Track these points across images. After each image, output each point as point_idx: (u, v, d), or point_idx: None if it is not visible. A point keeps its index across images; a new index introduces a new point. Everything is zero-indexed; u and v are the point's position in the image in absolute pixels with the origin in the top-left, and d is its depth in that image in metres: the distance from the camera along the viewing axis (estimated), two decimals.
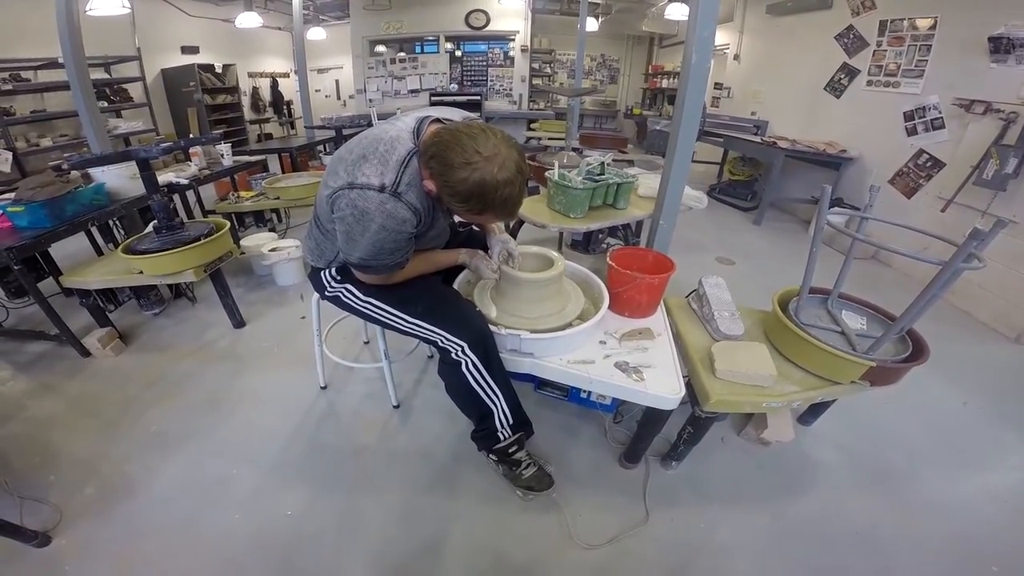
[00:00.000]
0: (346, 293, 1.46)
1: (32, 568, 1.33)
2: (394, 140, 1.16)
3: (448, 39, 7.30)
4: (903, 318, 1.32)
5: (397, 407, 1.95)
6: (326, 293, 1.51)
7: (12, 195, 2.23)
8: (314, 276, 1.51)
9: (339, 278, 1.46)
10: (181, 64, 7.05)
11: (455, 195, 1.09)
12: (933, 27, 3.38)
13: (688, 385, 1.43)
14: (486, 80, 7.51)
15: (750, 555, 1.42)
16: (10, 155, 4.55)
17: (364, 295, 1.44)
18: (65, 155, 2.42)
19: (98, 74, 5.78)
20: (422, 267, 1.43)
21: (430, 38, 7.34)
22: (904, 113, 3.59)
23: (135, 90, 6.36)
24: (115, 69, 6.12)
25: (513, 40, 7.25)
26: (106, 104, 5.81)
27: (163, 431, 1.83)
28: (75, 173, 2.53)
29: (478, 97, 6.79)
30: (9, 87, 4.81)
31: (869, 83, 3.97)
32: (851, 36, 4.10)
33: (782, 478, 1.69)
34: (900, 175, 3.65)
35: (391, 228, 1.14)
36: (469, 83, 7.49)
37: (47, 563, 1.35)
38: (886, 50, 3.77)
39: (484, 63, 7.49)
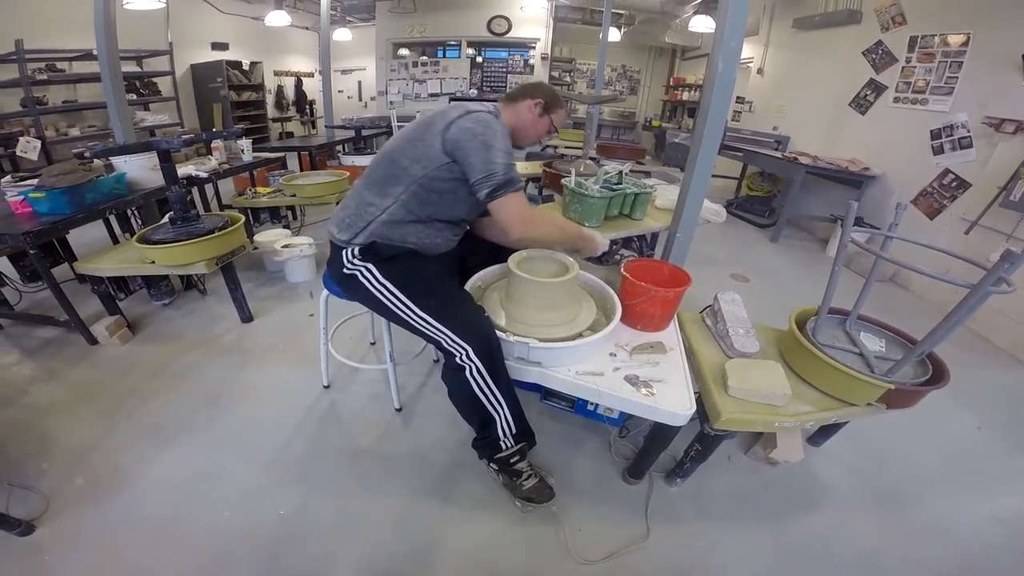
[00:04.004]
0: (365, 272, 1.44)
1: (12, 557, 1.32)
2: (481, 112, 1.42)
3: (470, 44, 7.37)
4: (926, 341, 1.26)
5: (399, 410, 1.93)
6: (344, 271, 1.47)
7: (35, 181, 2.27)
8: (334, 253, 1.50)
9: (360, 257, 1.44)
10: (210, 60, 7.21)
11: (556, 99, 1.58)
12: (965, 44, 3.29)
13: (698, 402, 1.38)
14: (505, 86, 7.54)
15: (750, 575, 1.37)
16: (39, 143, 4.65)
17: (382, 276, 1.42)
18: (89, 144, 2.47)
19: (130, 67, 5.93)
20: (555, 225, 1.56)
21: (452, 42, 7.41)
22: (931, 131, 3.49)
23: (164, 84, 6.52)
24: (146, 63, 6.28)
25: (534, 48, 7.29)
26: (135, 97, 5.94)
27: (161, 423, 1.82)
28: (98, 162, 2.58)
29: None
30: (44, 77, 4.94)
31: (896, 100, 3.88)
32: (879, 52, 4.02)
33: (788, 498, 1.63)
34: (924, 195, 3.54)
35: (506, 138, 1.40)
36: (488, 88, 7.54)
37: (28, 552, 1.33)
38: (915, 66, 3.68)
39: (504, 69, 7.55)
